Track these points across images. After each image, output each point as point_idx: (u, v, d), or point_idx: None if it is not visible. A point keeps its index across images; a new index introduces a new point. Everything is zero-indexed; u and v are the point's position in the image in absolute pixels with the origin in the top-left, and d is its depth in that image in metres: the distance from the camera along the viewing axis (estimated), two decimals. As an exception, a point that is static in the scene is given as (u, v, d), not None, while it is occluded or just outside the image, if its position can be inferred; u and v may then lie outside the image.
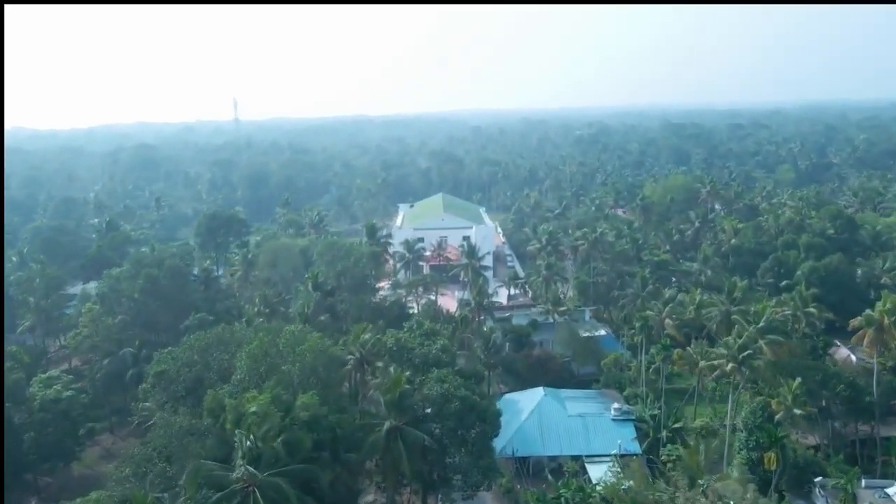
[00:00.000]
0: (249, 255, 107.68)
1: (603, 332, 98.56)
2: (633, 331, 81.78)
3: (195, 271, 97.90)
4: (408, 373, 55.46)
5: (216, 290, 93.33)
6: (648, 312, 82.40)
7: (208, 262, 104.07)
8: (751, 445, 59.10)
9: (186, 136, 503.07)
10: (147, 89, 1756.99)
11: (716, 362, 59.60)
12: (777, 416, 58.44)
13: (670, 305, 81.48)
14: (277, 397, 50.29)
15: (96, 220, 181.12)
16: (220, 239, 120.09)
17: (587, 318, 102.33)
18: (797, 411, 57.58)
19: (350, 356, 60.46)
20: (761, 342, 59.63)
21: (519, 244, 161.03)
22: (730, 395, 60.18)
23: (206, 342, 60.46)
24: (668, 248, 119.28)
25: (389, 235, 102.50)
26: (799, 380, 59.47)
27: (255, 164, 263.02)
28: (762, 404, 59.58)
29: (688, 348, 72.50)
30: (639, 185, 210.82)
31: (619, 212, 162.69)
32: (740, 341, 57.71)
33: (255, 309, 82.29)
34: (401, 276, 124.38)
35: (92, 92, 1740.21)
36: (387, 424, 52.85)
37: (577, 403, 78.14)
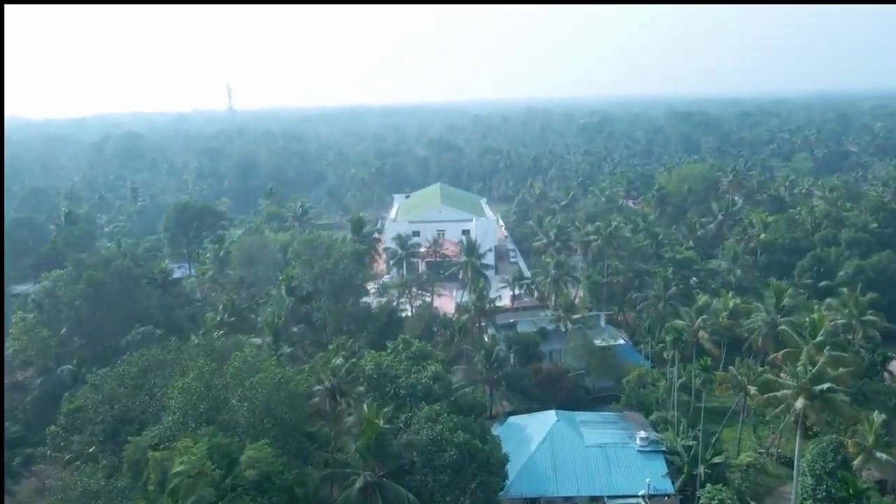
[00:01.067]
0: (221, 253, 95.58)
1: (622, 342, 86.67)
2: (661, 344, 69.71)
3: (158, 271, 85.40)
4: (387, 409, 43.48)
5: (176, 295, 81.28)
6: (678, 322, 70.39)
7: (167, 261, 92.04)
8: (819, 496, 47.43)
9: (179, 125, 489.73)
10: (144, 79, 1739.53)
11: (779, 394, 47.55)
12: (855, 463, 46.53)
13: (704, 316, 69.24)
14: (218, 448, 38.44)
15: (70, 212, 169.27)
16: (192, 233, 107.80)
17: (602, 323, 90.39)
18: (881, 455, 45.63)
19: (319, 386, 48.42)
20: (832, 371, 47.20)
21: (523, 238, 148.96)
22: (797, 438, 48.02)
23: (140, 367, 48.47)
24: (690, 243, 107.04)
25: (378, 230, 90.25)
26: (882, 416, 47.49)
27: (245, 152, 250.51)
28: (833, 445, 47.63)
29: (731, 368, 60.41)
30: (649, 174, 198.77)
31: (630, 203, 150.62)
32: (812, 370, 45.56)
33: (219, 318, 70.31)
34: (393, 274, 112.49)
35: (88, 81, 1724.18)
36: (360, 479, 41.00)
37: (596, 430, 66.22)
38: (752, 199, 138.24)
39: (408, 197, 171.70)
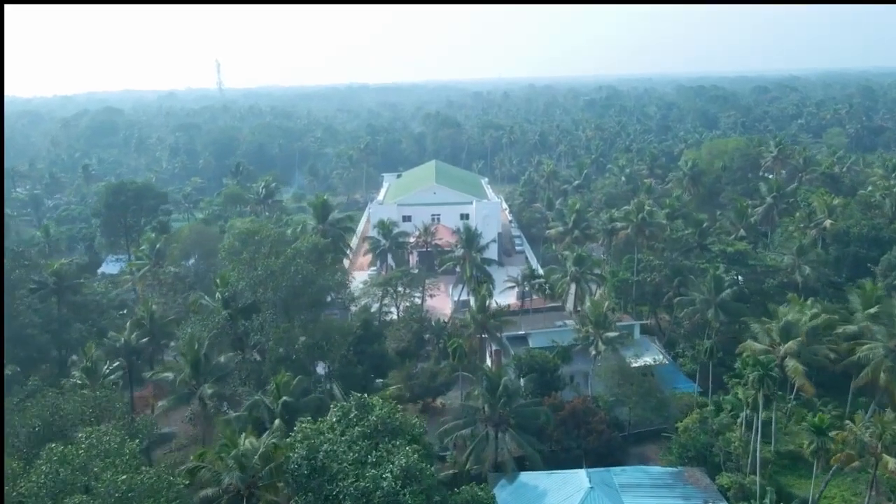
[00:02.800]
0: (159, 245, 76.40)
1: (665, 361, 67.64)
2: (737, 378, 50.50)
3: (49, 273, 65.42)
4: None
5: (79, 305, 61.83)
6: (755, 345, 51.19)
7: (69, 260, 72.62)
8: None
9: (166, 102, 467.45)
10: (140, 58, 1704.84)
11: None
12: None
13: (799, 338, 49.86)
14: None
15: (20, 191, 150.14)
16: (129, 219, 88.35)
17: (637, 334, 71.26)
18: None
19: (212, 489, 29.29)
20: None
21: (530, 223, 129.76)
22: None
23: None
24: (742, 232, 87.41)
25: (349, 218, 70.23)
26: None
27: (224, 128, 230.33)
28: None
29: (849, 425, 41.22)
30: (667, 150, 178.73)
31: (650, 182, 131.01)
32: None
33: (122, 339, 51.15)
34: (377, 269, 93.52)
35: (84, 60, 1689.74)
36: None
37: (645, 500, 47.47)
38: (798, 178, 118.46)
39: (399, 176, 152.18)
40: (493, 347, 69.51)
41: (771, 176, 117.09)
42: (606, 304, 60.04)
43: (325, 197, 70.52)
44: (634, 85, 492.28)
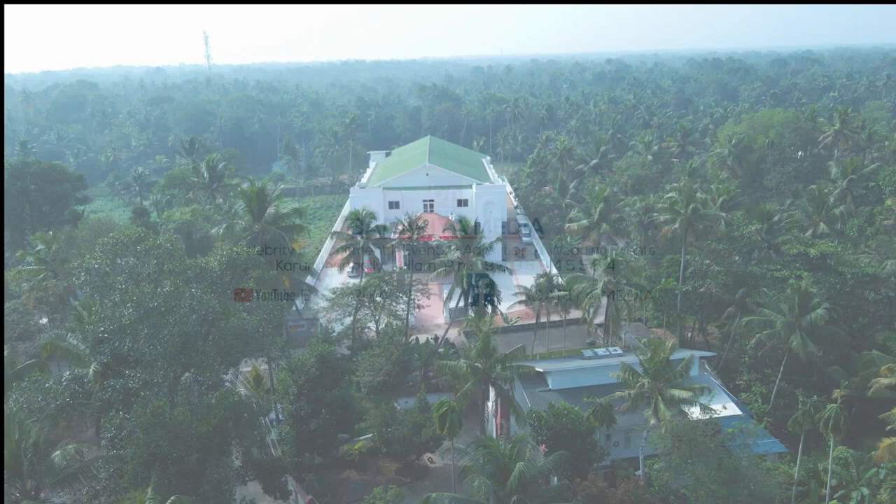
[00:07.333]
0: (55, 247, 57.42)
1: (738, 411, 48.73)
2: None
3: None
4: None
5: None
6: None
7: None
8: None
9: (154, 77, 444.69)
10: (132, 34, 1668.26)
11: None
12: None
13: None
14: None
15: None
16: (31, 210, 68.76)
17: (695, 371, 52.17)
18: None
19: None
20: None
21: (540, 210, 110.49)
22: None
23: None
24: (823, 228, 67.92)
25: (296, 213, 50.79)
26: None
27: (201, 102, 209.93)
28: None
29: None
30: (689, 125, 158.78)
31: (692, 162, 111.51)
32: None
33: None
34: (344, 275, 74.84)
35: (75, 35, 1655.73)
36: None
37: None
38: (860, 156, 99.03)
39: (388, 155, 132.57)
40: (496, 394, 50.54)
41: (837, 154, 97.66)
42: (671, 344, 40.73)
43: (260, 184, 51.06)
44: (641, 60, 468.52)
